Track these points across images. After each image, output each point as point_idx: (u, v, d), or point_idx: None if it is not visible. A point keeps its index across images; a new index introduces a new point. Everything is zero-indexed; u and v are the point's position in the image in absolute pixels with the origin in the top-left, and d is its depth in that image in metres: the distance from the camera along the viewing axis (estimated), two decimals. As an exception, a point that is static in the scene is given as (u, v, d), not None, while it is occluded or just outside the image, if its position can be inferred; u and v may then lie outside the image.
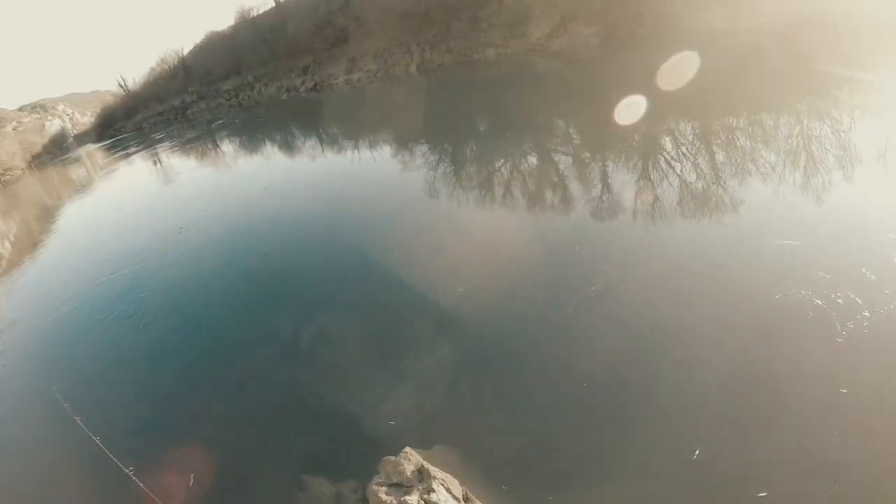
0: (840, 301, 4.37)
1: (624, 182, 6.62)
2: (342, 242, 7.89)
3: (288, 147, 17.71)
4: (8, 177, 57.32)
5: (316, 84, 29.70)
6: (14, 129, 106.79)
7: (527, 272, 5.61)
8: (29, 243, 17.61)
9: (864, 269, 4.55)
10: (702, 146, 7.52)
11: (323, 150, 15.24)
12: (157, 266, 9.67)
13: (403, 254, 6.70)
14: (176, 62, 54.53)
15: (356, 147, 13.77)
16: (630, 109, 8.72)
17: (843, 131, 6.39)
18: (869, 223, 4.96)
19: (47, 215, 23.34)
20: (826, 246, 5.09)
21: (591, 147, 8.56)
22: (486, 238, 6.56)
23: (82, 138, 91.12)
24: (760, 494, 3.14)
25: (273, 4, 40.61)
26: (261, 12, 42.53)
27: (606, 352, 4.44)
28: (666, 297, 4.91)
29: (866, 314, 4.13)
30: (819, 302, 4.45)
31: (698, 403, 3.95)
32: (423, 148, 11.15)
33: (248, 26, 41.44)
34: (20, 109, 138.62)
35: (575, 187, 6.81)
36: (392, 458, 3.51)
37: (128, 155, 36.59)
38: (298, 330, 6.18)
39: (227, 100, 39.53)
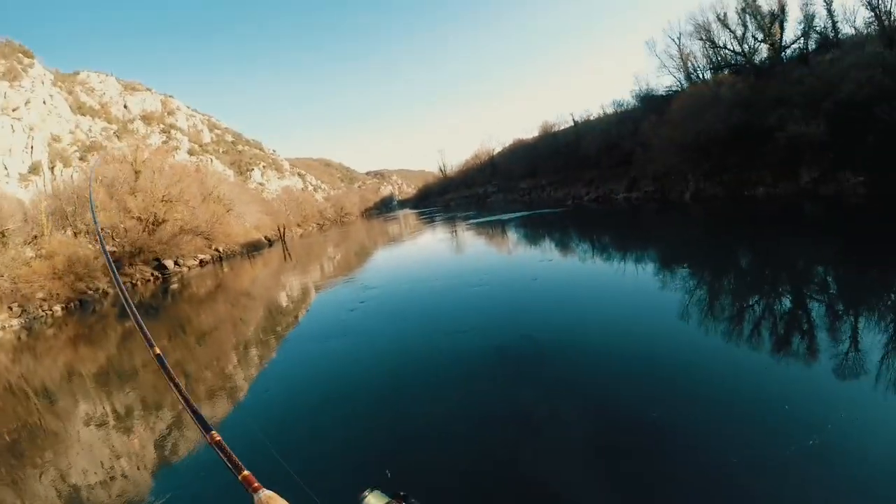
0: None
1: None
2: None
3: (563, 246, 18.93)
4: (346, 219, 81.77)
5: (598, 196, 34.16)
6: (359, 187, 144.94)
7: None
8: (346, 268, 23.08)
9: None
10: None
11: (593, 255, 16.17)
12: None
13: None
14: (486, 158, 67.30)
15: (622, 258, 14.70)
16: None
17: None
18: None
19: (363, 253, 29.62)
20: None
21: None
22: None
23: (403, 203, 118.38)
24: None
25: (572, 123, 47.81)
26: (561, 128, 50.32)
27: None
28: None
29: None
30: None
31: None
32: (684, 272, 11.55)
33: (549, 138, 49.23)
34: (366, 173, 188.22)
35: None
36: None
37: (433, 222, 43.79)
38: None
39: (520, 196, 47.73)
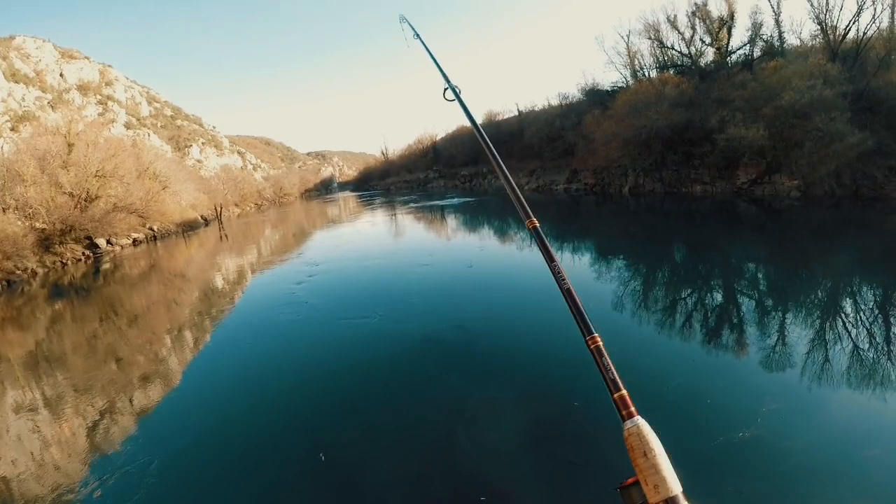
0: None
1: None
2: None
3: (500, 233, 18.82)
4: (284, 200, 77.82)
5: (538, 186, 33.75)
6: (299, 168, 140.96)
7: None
8: (283, 248, 22.97)
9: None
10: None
11: (531, 244, 15.32)
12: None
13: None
14: (429, 144, 65.93)
15: (559, 248, 14.18)
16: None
17: None
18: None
19: (302, 234, 28.85)
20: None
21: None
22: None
23: (344, 185, 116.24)
24: None
25: (516, 113, 47.35)
26: (505, 117, 49.63)
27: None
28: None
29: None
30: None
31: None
32: (619, 263, 11.70)
33: (493, 127, 47.96)
34: (307, 154, 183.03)
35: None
36: None
37: (373, 205, 42.81)
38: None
39: (461, 183, 46.80)
